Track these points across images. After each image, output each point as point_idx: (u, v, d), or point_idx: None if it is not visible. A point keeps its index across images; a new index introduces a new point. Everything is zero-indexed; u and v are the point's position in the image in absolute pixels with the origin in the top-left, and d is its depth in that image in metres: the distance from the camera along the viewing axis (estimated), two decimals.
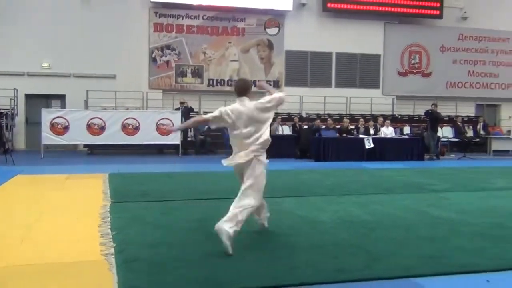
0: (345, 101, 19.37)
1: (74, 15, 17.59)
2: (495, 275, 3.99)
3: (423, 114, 16.88)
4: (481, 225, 5.71)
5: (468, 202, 7.40)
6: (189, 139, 16.50)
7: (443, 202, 7.33)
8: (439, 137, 16.59)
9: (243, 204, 4.63)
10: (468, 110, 20.75)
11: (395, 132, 16.34)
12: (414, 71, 20.42)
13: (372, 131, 16.31)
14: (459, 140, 18.13)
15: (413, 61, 20.42)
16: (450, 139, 18.19)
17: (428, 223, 5.84)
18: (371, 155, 14.59)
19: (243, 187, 4.80)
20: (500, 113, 21.85)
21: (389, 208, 6.81)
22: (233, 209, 4.59)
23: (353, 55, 19.80)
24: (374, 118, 17.76)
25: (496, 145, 17.38)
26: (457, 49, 20.81)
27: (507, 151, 17.85)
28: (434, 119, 15.78)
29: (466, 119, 19.72)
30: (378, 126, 16.63)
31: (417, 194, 8.09)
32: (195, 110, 17.18)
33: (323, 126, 16.18)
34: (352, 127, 16.47)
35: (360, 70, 19.93)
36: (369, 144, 14.72)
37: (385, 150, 14.84)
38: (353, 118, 17.84)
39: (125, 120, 15.01)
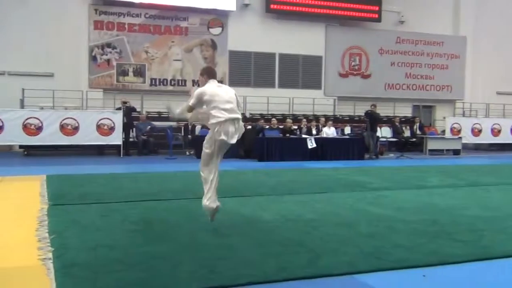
0: (288, 102, 19.59)
1: (9, 10, 16.84)
2: (431, 269, 4.14)
3: (363, 114, 17.33)
4: (418, 222, 5.91)
5: (405, 199, 7.64)
6: (131, 139, 16.18)
7: (382, 200, 7.54)
8: (378, 137, 17.07)
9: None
10: (405, 111, 21.50)
11: (337, 132, 16.69)
12: (355, 72, 20.93)
13: (314, 131, 16.58)
14: (397, 139, 18.73)
15: (353, 63, 20.93)
16: (388, 139, 18.78)
17: (368, 220, 5.99)
18: (313, 155, 14.81)
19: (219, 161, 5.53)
20: (435, 114, 22.77)
21: (331, 206, 6.92)
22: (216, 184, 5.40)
23: (296, 56, 20.06)
24: (316, 118, 18.07)
25: (431, 145, 18.09)
26: (395, 52, 21.49)
27: (442, 150, 18.64)
28: (373, 120, 16.22)
29: (404, 119, 20.43)
30: (320, 126, 16.94)
31: (358, 193, 8.28)
32: (137, 109, 16.86)
33: (267, 126, 16.30)
34: (295, 127, 16.68)
35: (302, 71, 20.21)
36: (311, 144, 14.93)
37: (327, 149, 15.11)
38: (296, 119, 18.06)
39: (63, 120, 14.54)
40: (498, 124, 20.09)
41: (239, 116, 5.49)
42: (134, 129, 16.41)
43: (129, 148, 15.84)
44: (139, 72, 18.27)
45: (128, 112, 15.87)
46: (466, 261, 4.37)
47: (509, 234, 5.39)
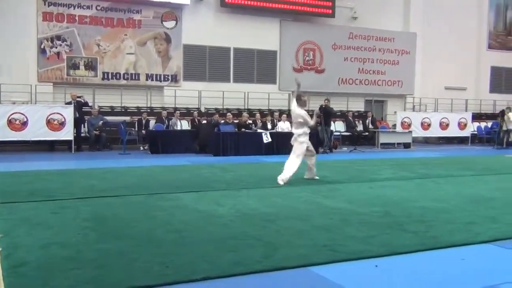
0: (243, 96, 19.62)
1: None
2: (383, 260, 4.26)
3: (317, 108, 17.52)
4: (370, 214, 6.07)
5: (359, 192, 7.82)
6: (82, 134, 15.81)
7: (336, 193, 7.69)
8: (332, 131, 17.34)
9: None
10: (358, 106, 21.93)
11: (292, 127, 16.82)
12: (309, 67, 21.16)
13: (269, 126, 16.67)
14: (350, 134, 19.09)
15: (307, 58, 21.15)
16: (342, 133, 19.11)
17: (323, 213, 6.09)
18: (269, 149, 14.90)
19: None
20: (387, 108, 23.31)
21: (286, 200, 7.00)
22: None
23: (251, 51, 20.08)
24: (271, 112, 18.17)
25: (383, 138, 18.55)
26: (348, 47, 21.84)
27: (393, 144, 19.14)
28: (327, 114, 16.45)
29: (357, 114, 20.84)
30: (275, 120, 17.04)
31: (313, 186, 8.40)
32: (89, 104, 16.48)
33: (222, 121, 16.26)
34: (250, 121, 16.72)
35: (257, 66, 20.27)
36: (267, 138, 15.01)
37: (282, 144, 15.17)
38: (251, 113, 18.10)
39: (11, 115, 14.02)
40: (446, 118, 20.76)
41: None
42: (85, 124, 16.03)
43: (81, 144, 15.48)
44: (91, 65, 17.83)
45: (79, 107, 15.49)
46: (416, 251, 4.52)
47: (456, 224, 5.60)
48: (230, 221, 5.62)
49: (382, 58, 22.46)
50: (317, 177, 9.16)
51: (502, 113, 19.41)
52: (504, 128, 19.27)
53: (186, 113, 17.90)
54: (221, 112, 17.94)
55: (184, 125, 17.35)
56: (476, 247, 4.74)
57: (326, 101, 16.72)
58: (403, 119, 19.69)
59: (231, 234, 4.99)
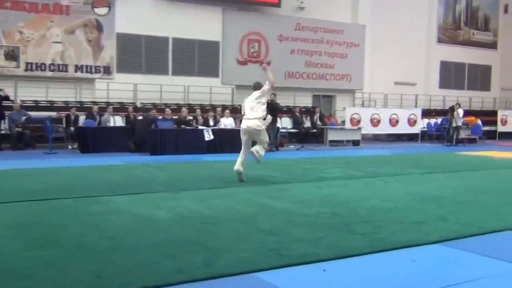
0: (183, 90, 19.48)
1: None
2: (331, 263, 4.35)
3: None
4: (318, 215, 6.19)
5: (306, 192, 7.96)
6: (2, 132, 15.23)
7: (282, 194, 7.78)
8: (278, 128, 17.52)
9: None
10: (306, 101, 22.27)
11: (235, 123, 16.86)
12: (254, 60, 21.26)
13: (211, 122, 16.65)
14: (298, 130, 19.36)
15: (252, 50, 21.25)
16: (289, 130, 19.35)
17: (268, 215, 6.16)
18: (211, 147, 14.88)
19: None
20: (335, 104, 23.80)
21: (229, 201, 7.03)
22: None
23: (191, 42, 19.96)
24: (214, 108, 18.15)
25: (331, 136, 18.94)
26: (295, 39, 22.12)
27: (342, 141, 19.57)
28: (273, 110, 16.57)
29: (304, 109, 21.16)
30: (218, 116, 17.04)
31: (257, 187, 8.48)
32: (10, 98, 15.87)
33: (160, 117, 16.09)
34: (191, 117, 16.64)
35: (198, 58, 20.17)
36: (208, 136, 14.99)
37: (226, 141, 15.22)
38: (191, 109, 18.01)
39: None
40: (396, 115, 21.44)
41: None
42: (6, 120, 15.44)
43: (0, 142, 14.90)
44: (12, 55, 17.16)
45: None
46: (364, 253, 4.65)
47: (405, 224, 5.81)
48: (168, 225, 5.59)
49: (331, 51, 22.89)
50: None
51: (452, 109, 20.18)
52: (454, 124, 20.06)
53: (120, 108, 17.57)
54: (158, 107, 17.73)
55: (117, 121, 17.04)
56: (426, 248, 4.92)
57: (272, 95, 16.82)
58: (352, 115, 20.16)
59: (169, 239, 4.96)
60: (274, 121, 16.62)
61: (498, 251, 4.80)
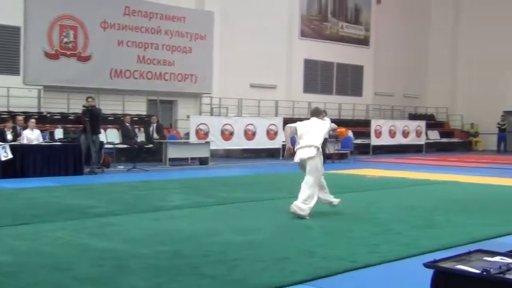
0: None
1: None
2: None
3: (80, 112, 17.18)
4: (156, 256, 6.16)
5: (139, 227, 7.90)
6: None
7: (108, 230, 7.66)
8: (102, 143, 17.15)
9: None
10: (139, 107, 22.06)
11: (43, 137, 16.26)
12: (68, 52, 20.63)
13: (9, 136, 15.86)
14: (128, 146, 19.10)
15: (66, 39, 20.60)
16: (116, 145, 19.02)
17: (89, 259, 6.01)
18: (9, 170, 14.25)
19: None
20: (177, 111, 23.88)
21: (36, 243, 6.80)
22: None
23: None
24: (13, 116, 17.32)
25: (172, 152, 18.93)
26: (123, 26, 21.83)
27: (186, 159, 19.68)
28: (94, 119, 16.21)
29: (137, 119, 20.97)
30: (19, 128, 16.29)
31: (75, 221, 8.26)
32: None
33: None
34: None
35: None
36: (5, 154, 14.33)
37: (30, 161, 14.65)
38: None
39: None
40: (253, 125, 22.10)
41: None
42: None
43: None
44: None
45: None
46: None
47: (265, 261, 5.99)
48: None
49: (170, 43, 22.96)
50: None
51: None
52: None
53: None
54: None
55: None
56: None
57: (90, 99, 16.37)
58: (198, 125, 20.38)
59: None
60: (96, 133, 16.29)
61: None
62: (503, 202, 11.14)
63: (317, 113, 9.95)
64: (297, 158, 9.19)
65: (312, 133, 9.21)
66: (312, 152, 9.05)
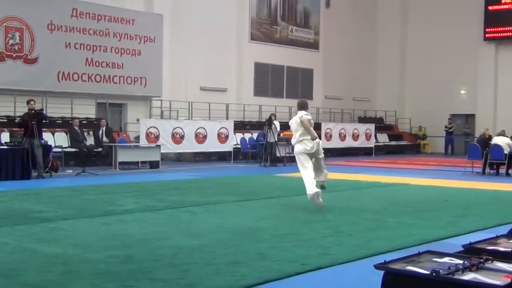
0: None
1: None
2: None
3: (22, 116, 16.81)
4: (106, 261, 6.09)
5: (89, 231, 7.82)
6: None
7: (57, 235, 7.55)
8: (50, 146, 16.90)
9: None
10: (88, 111, 21.76)
11: None
12: (14, 54, 20.26)
13: None
14: (77, 150, 18.85)
15: (11, 41, 20.23)
16: (65, 149, 18.73)
17: (37, 265, 5.92)
18: None
19: None
20: (127, 115, 23.70)
21: None
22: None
23: None
24: None
25: (122, 156, 18.75)
26: (71, 28, 21.55)
27: (136, 163, 19.52)
28: (40, 122, 15.92)
29: (85, 122, 20.71)
30: None
31: (22, 226, 8.12)
32: None
33: None
34: None
35: None
36: None
37: None
38: None
39: None
40: (203, 128, 22.08)
41: None
42: None
43: None
44: None
45: None
46: None
47: (217, 265, 5.99)
48: None
49: (119, 46, 22.77)
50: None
51: (269, 121, 21.22)
52: (270, 140, 20.93)
53: None
54: None
55: None
56: None
57: (31, 102, 16.00)
58: (148, 129, 20.27)
59: None
60: (39, 137, 15.97)
61: None
62: (451, 204, 11.35)
63: (304, 106, 10.91)
64: (308, 148, 10.07)
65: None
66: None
